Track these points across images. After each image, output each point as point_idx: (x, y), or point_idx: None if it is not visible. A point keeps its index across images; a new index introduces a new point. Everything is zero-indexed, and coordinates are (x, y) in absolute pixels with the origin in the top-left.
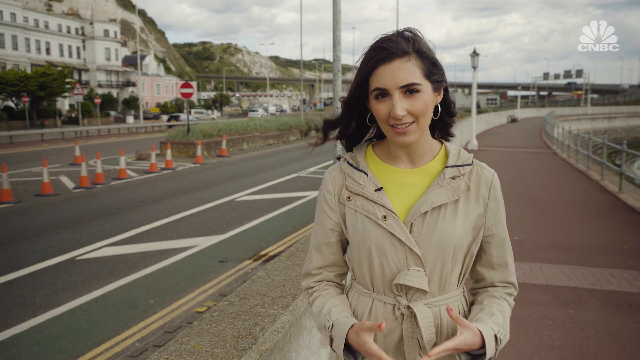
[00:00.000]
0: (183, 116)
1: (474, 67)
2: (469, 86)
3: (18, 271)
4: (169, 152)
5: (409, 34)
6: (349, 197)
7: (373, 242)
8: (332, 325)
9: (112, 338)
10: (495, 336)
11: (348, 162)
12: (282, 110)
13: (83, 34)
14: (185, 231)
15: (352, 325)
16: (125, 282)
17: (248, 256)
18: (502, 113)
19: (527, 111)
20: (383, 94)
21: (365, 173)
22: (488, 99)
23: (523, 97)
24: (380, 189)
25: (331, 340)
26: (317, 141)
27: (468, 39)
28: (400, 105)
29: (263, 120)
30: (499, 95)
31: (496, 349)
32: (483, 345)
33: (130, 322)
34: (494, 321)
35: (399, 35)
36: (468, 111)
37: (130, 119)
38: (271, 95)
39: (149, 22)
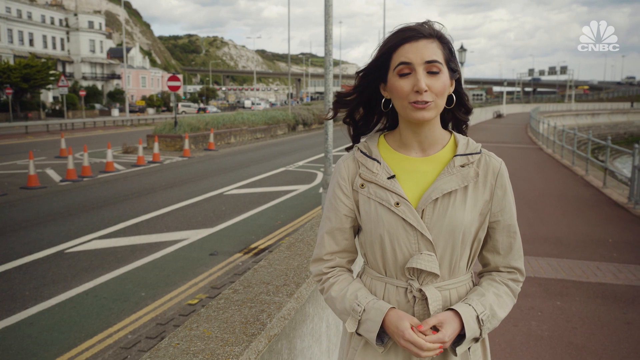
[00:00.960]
0: (211, 108)
1: (462, 63)
2: None
3: (6, 264)
4: (156, 146)
5: (434, 23)
6: (362, 185)
7: (386, 228)
8: (364, 309)
9: (104, 330)
10: (478, 317)
11: (361, 151)
12: (273, 104)
13: (67, 26)
14: (174, 224)
15: (390, 310)
16: (116, 275)
17: (238, 249)
18: (488, 109)
19: (512, 107)
20: (406, 71)
21: (378, 161)
22: (474, 95)
23: (508, 92)
24: (393, 176)
25: (359, 324)
26: (328, 115)
27: (454, 35)
28: (424, 80)
29: (250, 114)
30: (485, 91)
31: (480, 330)
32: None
33: (122, 315)
34: (481, 302)
35: (424, 24)
36: None
37: (115, 112)
38: (258, 89)
39: (134, 14)
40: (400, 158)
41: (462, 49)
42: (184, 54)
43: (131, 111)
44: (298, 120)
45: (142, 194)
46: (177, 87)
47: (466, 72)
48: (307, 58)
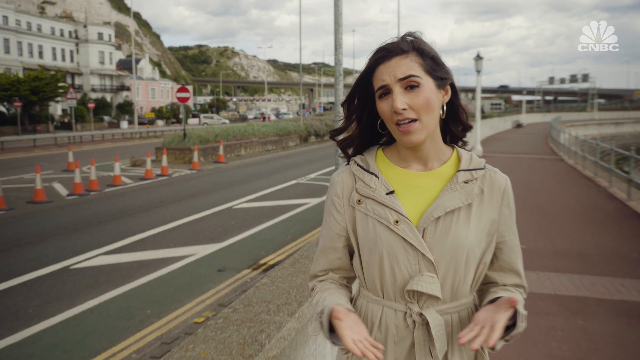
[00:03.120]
0: (216, 118)
1: (478, 71)
2: (472, 90)
3: (11, 280)
4: (164, 158)
5: (409, 37)
6: (359, 201)
7: (384, 247)
8: (323, 310)
9: (108, 349)
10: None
11: (358, 164)
12: (279, 114)
13: (76, 37)
14: (181, 239)
15: (335, 306)
16: (121, 292)
17: (247, 265)
18: (507, 118)
19: (532, 116)
20: (385, 92)
21: (376, 176)
22: (492, 104)
23: (528, 101)
24: (392, 192)
25: (321, 325)
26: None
27: (472, 42)
28: (401, 99)
29: (261, 126)
30: (504, 99)
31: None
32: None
33: (127, 333)
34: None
35: (400, 38)
36: (472, 116)
37: (124, 124)
38: (269, 100)
39: (144, 25)
40: (400, 172)
41: (479, 57)
42: (194, 64)
43: (140, 123)
44: (310, 131)
45: (149, 208)
46: (187, 99)
47: (484, 81)
48: (319, 68)
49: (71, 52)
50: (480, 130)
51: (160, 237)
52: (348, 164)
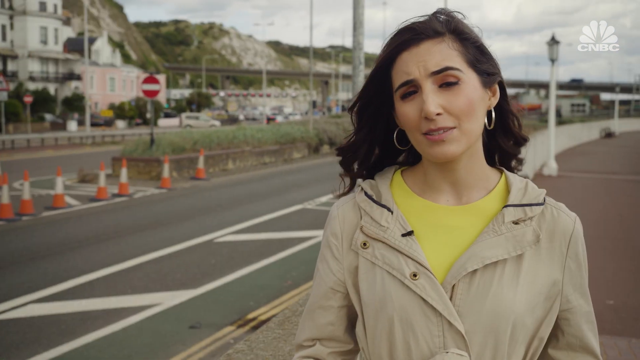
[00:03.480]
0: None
1: (553, 60)
2: (545, 86)
3: None
4: (124, 172)
5: (443, 16)
6: (364, 244)
7: (396, 310)
8: None
9: None
10: None
11: (366, 194)
12: (286, 114)
13: (11, 8)
14: (142, 283)
15: None
16: (57, 354)
17: (230, 321)
18: (593, 124)
19: (628, 122)
20: (411, 90)
21: (389, 210)
22: (573, 105)
23: (622, 102)
24: (410, 233)
25: None
26: (344, 189)
27: (546, 21)
28: (434, 100)
29: (256, 131)
30: (589, 99)
31: None
32: None
33: None
34: None
35: (431, 16)
36: (544, 121)
37: (72, 125)
38: (269, 95)
39: None
40: (423, 206)
41: (554, 41)
42: (169, 46)
43: (94, 124)
44: (322, 138)
45: (100, 239)
46: (155, 92)
47: (562, 73)
48: (337, 53)
49: (3, 27)
50: (554, 141)
51: (114, 279)
52: (351, 190)
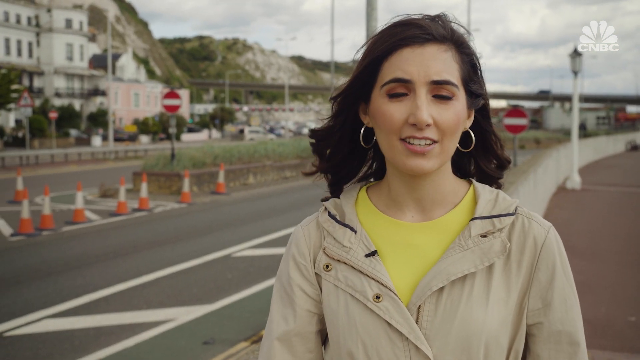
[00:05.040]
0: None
1: (575, 73)
2: (569, 99)
3: None
4: (144, 187)
5: (442, 23)
6: (327, 266)
7: (360, 336)
8: None
9: None
10: None
11: (329, 214)
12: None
13: (37, 25)
14: (158, 299)
15: None
16: None
17: (245, 336)
18: (619, 137)
19: None
20: (402, 91)
21: (352, 229)
22: (598, 118)
23: None
24: (374, 253)
25: None
26: (313, 169)
27: (570, 34)
28: (427, 109)
29: (277, 145)
30: (614, 112)
31: None
32: None
33: None
34: None
35: (433, 19)
36: (567, 134)
37: (97, 141)
38: (292, 110)
39: (127, 9)
40: (388, 223)
41: (577, 54)
42: (193, 62)
43: (118, 139)
44: None
45: (118, 254)
46: (176, 107)
47: (586, 86)
48: None
49: (30, 44)
50: (578, 154)
51: (130, 295)
52: (317, 172)
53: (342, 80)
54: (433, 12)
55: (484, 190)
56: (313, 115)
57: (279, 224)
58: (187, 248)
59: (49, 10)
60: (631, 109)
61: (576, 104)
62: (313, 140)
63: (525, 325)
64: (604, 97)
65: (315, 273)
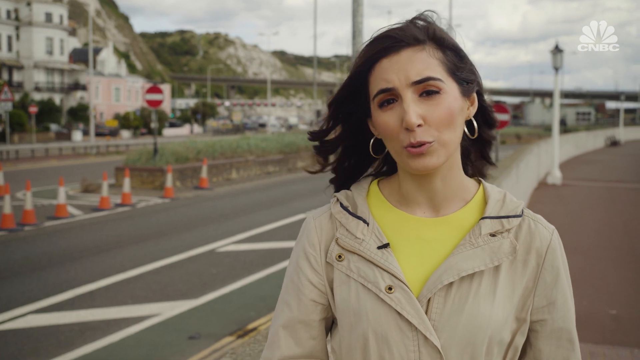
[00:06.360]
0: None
1: (556, 68)
2: (549, 94)
3: None
4: (127, 182)
5: (421, 22)
6: (339, 256)
7: (371, 325)
8: None
9: None
10: None
11: (342, 205)
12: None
13: (16, 19)
14: (143, 294)
15: None
16: None
17: (230, 331)
18: (598, 133)
19: (633, 130)
20: (390, 98)
21: (365, 221)
22: (578, 113)
23: (628, 110)
24: (386, 245)
25: None
26: (310, 168)
27: (551, 30)
28: (414, 110)
29: (260, 140)
30: (594, 107)
31: None
32: None
33: None
34: None
35: (410, 22)
36: (548, 129)
37: (77, 135)
38: (274, 105)
39: (107, 3)
40: (400, 218)
41: (557, 50)
42: (175, 56)
43: (99, 134)
44: None
45: (101, 249)
46: (159, 102)
47: (567, 82)
48: (342, 62)
49: (9, 38)
50: (559, 150)
51: (115, 290)
52: (323, 170)
53: (323, 75)
54: (415, 8)
55: (493, 191)
56: (295, 110)
57: (262, 219)
58: (171, 243)
59: (28, 4)
60: (610, 104)
61: (557, 100)
62: (316, 143)
63: (528, 322)
64: (583, 93)
65: (327, 262)
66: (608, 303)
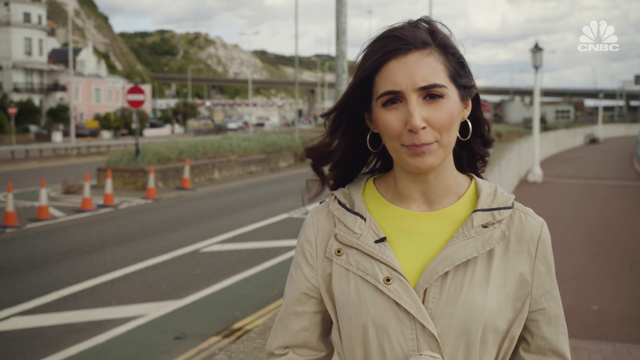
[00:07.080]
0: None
1: (536, 67)
2: (529, 93)
3: None
4: (109, 183)
5: (425, 24)
6: (338, 251)
7: (370, 315)
8: None
9: None
10: None
11: (339, 202)
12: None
13: None
14: (127, 295)
15: None
16: None
17: (216, 331)
18: (578, 130)
19: (612, 128)
20: (394, 99)
21: (362, 217)
22: (558, 111)
23: (606, 108)
24: (383, 239)
25: None
26: (315, 190)
27: (530, 29)
28: (420, 114)
29: (242, 140)
30: (573, 105)
31: None
32: None
33: None
34: None
35: (415, 25)
36: (529, 127)
37: (57, 137)
38: (255, 104)
39: (86, 3)
40: (396, 213)
41: (537, 49)
42: (155, 56)
43: (79, 135)
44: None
45: (85, 251)
46: (140, 103)
47: (546, 80)
48: (323, 62)
49: None
50: (539, 147)
51: (99, 291)
52: (322, 192)
53: (305, 75)
54: (395, 8)
55: (485, 185)
56: (276, 110)
57: (246, 218)
58: (155, 244)
59: (6, 4)
60: (589, 102)
61: (537, 98)
62: (310, 160)
63: (526, 312)
64: (562, 91)
65: (326, 257)
66: (590, 298)
